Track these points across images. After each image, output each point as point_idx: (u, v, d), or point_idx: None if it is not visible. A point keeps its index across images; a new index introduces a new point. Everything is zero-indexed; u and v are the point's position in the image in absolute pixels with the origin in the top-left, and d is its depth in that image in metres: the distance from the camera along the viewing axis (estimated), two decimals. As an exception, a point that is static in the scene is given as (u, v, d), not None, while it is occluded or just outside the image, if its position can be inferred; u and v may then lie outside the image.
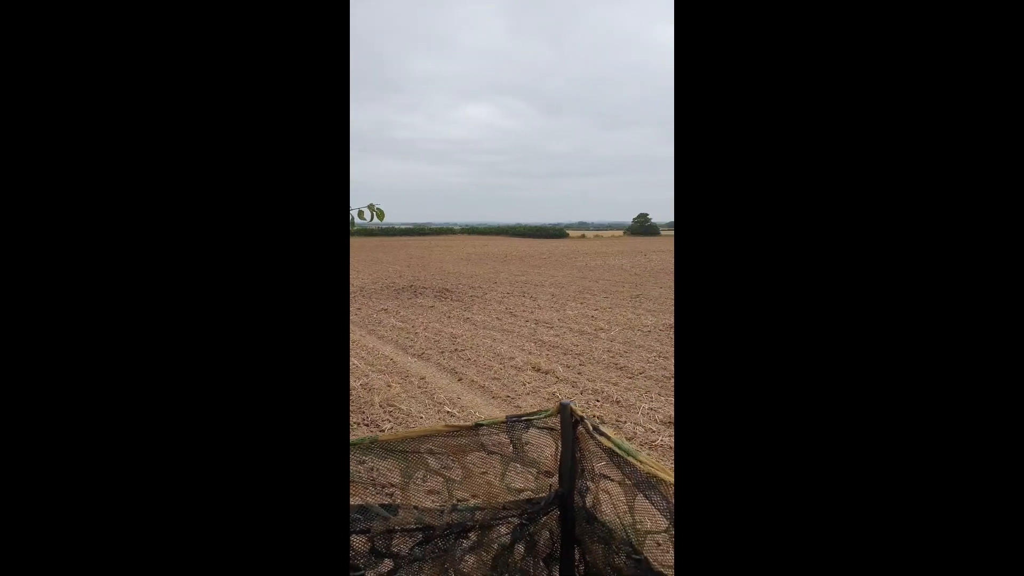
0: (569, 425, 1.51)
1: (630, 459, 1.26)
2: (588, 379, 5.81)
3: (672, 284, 13.83)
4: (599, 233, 70.53)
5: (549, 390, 5.47)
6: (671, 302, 10.82)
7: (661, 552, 1.31)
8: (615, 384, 5.63)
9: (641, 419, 4.70)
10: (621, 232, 65.34)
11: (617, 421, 4.66)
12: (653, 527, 1.34)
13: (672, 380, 5.74)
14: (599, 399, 5.21)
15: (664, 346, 7.21)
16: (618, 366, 6.29)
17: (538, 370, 6.16)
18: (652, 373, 5.98)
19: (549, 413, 1.54)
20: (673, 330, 8.15)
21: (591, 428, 1.43)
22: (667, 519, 1.15)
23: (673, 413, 4.80)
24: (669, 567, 1.20)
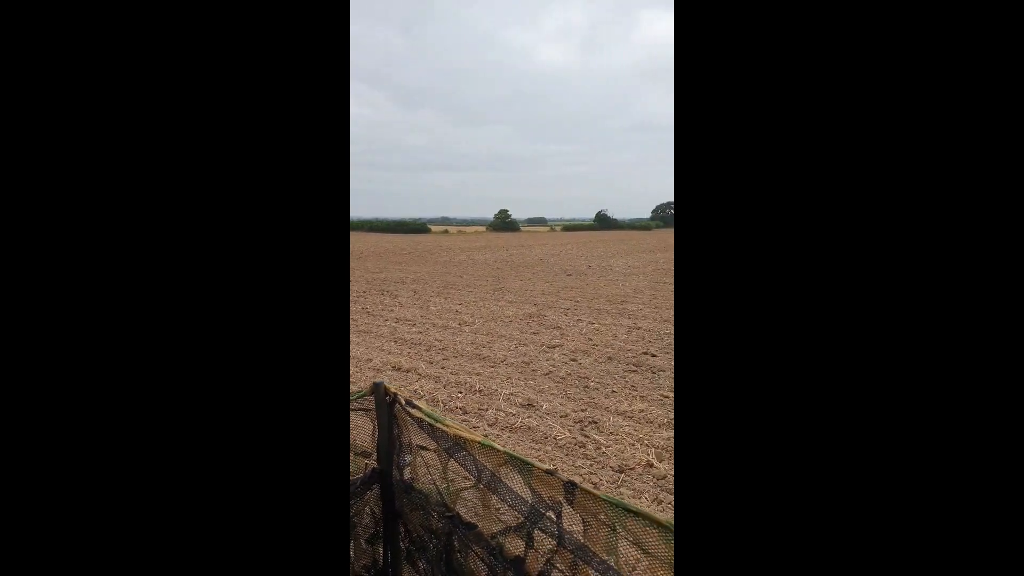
0: (384, 403, 1.52)
1: (439, 426, 1.30)
2: (451, 372, 5.86)
3: (531, 277, 14.50)
4: (462, 228, 71.16)
5: (411, 388, 5.41)
6: (530, 293, 11.34)
7: (471, 506, 1.38)
8: (478, 374, 5.76)
9: (502, 404, 4.87)
10: (484, 228, 66.68)
11: (479, 409, 4.77)
12: (463, 485, 1.41)
13: (530, 365, 6.04)
14: (462, 390, 5.28)
15: (524, 334, 7.54)
16: (481, 356, 6.43)
17: (399, 369, 6.06)
18: (512, 360, 6.23)
19: (363, 394, 1.54)
20: (532, 319, 8.56)
21: (404, 403, 1.45)
22: (473, 476, 1.22)
23: (531, 396, 5.05)
24: (478, 515, 1.27)
